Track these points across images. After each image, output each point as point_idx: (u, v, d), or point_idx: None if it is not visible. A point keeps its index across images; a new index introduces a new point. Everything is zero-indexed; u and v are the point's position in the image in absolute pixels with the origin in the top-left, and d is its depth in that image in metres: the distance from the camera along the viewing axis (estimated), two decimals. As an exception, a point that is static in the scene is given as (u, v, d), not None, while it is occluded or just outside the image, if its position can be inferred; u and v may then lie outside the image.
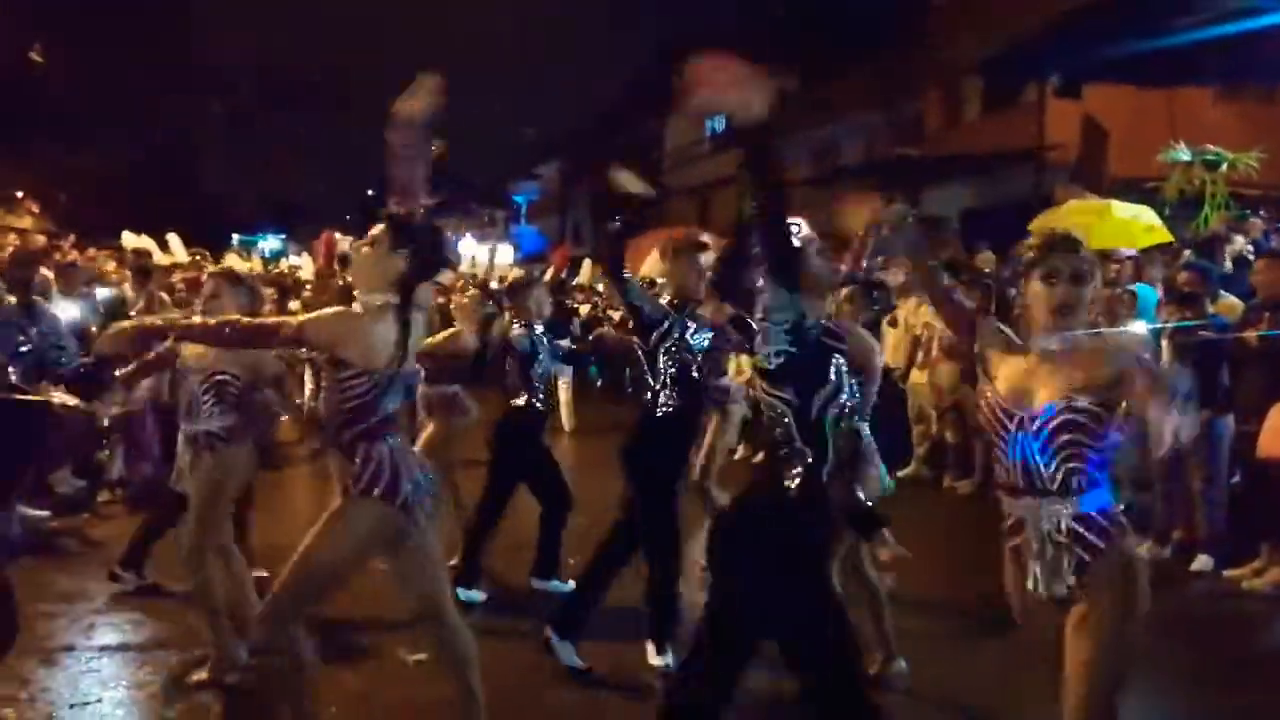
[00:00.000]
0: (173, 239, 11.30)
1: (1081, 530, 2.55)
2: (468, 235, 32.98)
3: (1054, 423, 2.56)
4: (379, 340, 3.20)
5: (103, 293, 9.45)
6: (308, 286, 11.89)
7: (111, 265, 11.94)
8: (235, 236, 31.00)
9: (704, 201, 29.86)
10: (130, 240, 11.66)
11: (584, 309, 14.30)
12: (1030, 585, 2.62)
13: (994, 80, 17.81)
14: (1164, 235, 9.45)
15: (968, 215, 17.30)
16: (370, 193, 53.34)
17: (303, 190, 42.91)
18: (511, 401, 5.75)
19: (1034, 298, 2.70)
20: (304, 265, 16.16)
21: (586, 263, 19.84)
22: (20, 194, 19.48)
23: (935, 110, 20.35)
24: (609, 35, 30.93)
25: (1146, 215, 9.54)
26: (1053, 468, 2.56)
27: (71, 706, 4.12)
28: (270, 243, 33.13)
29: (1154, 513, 6.50)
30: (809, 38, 24.42)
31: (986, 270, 10.21)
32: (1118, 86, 13.51)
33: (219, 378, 4.30)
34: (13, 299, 6.84)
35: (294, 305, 11.60)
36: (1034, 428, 2.58)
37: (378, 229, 3.33)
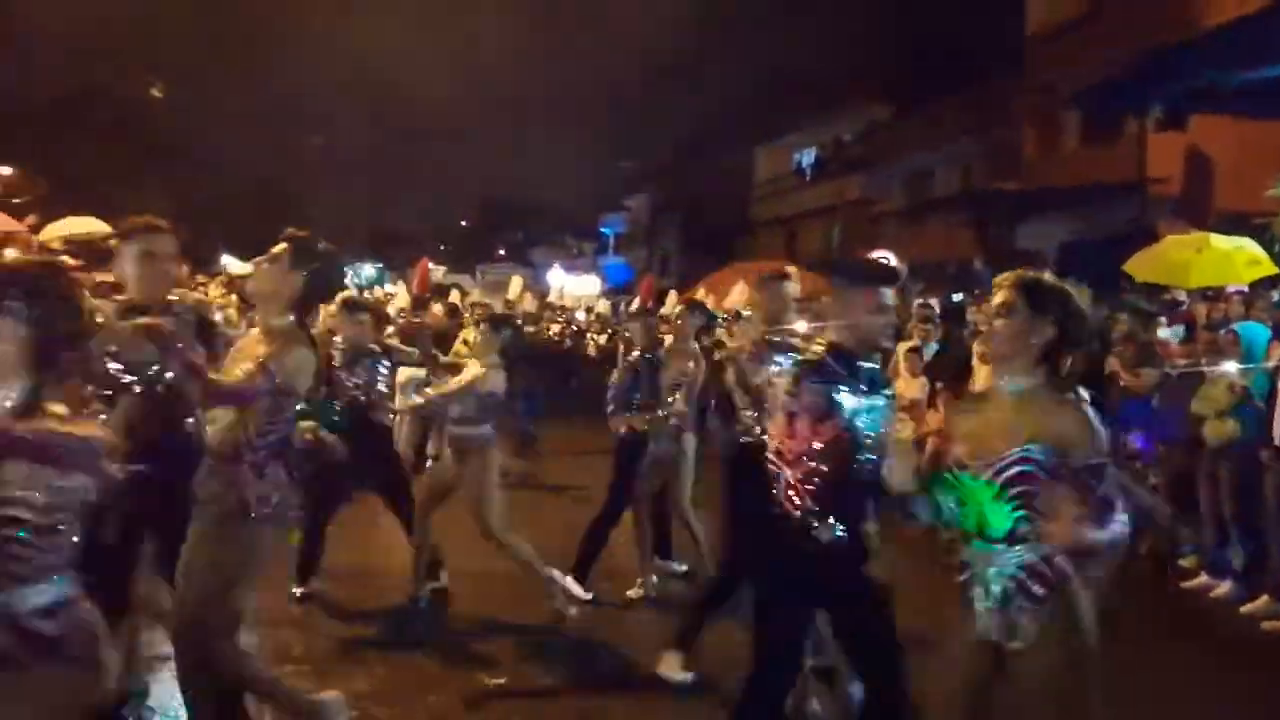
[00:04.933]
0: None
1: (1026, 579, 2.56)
2: (556, 266, 33.49)
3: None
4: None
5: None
6: (401, 313, 12.18)
7: (219, 291, 12.41)
8: (333, 264, 31.92)
9: (791, 233, 29.80)
10: (236, 267, 12.07)
11: (669, 339, 14.32)
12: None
13: (1093, 111, 17.37)
14: (1270, 268, 9.04)
15: (1065, 249, 16.86)
16: (464, 223, 54.51)
17: (399, 219, 44.22)
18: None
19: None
20: (398, 293, 16.61)
21: (672, 294, 19.94)
22: (136, 222, 20.55)
23: (1032, 141, 19.94)
24: (700, 68, 31.17)
25: (1249, 247, 9.15)
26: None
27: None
28: (365, 270, 34.10)
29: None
30: (904, 66, 24.24)
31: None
32: (1224, 118, 13.05)
33: None
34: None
35: (389, 331, 11.90)
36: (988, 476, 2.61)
37: (279, 248, 3.46)
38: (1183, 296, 9.59)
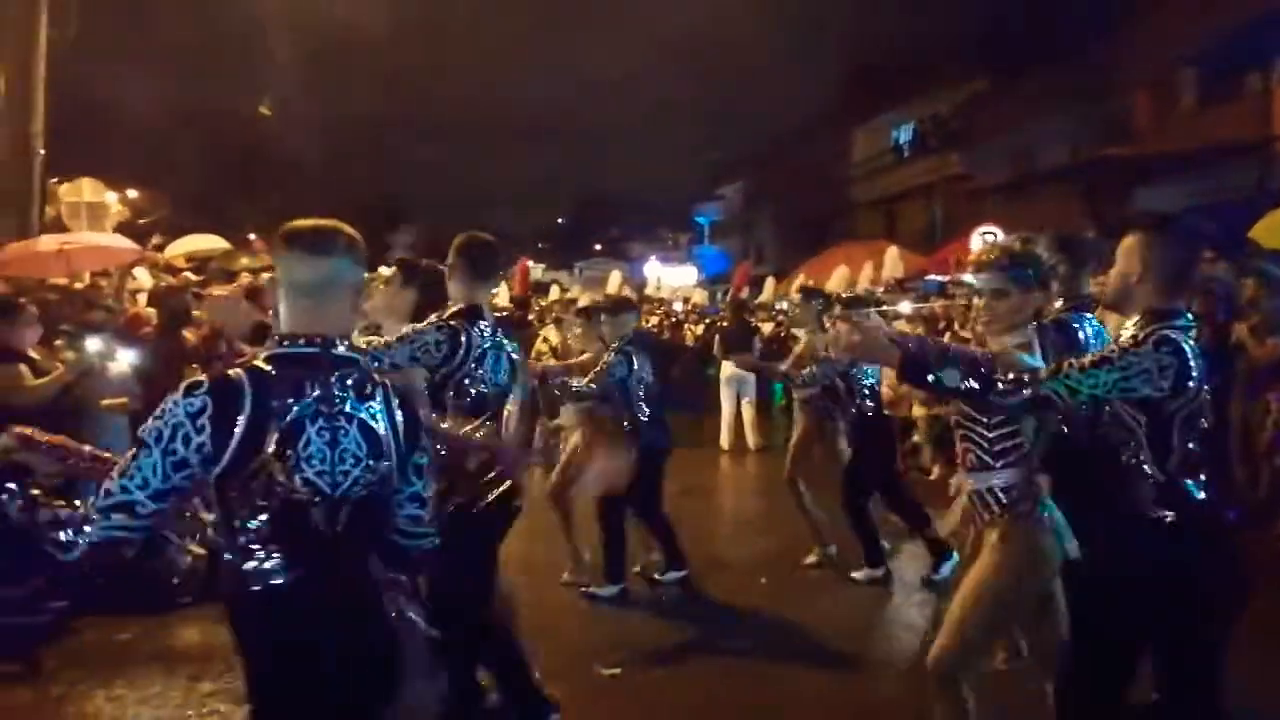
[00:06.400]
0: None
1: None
2: (653, 258, 33.54)
3: None
4: None
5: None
6: (501, 312, 12.42)
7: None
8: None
9: (890, 213, 29.16)
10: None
11: (766, 327, 14.21)
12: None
13: (1211, 71, 16.46)
14: None
15: (1186, 215, 16.06)
16: (560, 221, 55.09)
17: (497, 220, 45.08)
18: None
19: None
20: (499, 292, 16.92)
21: (769, 281, 19.74)
22: (251, 235, 21.40)
23: (1145, 106, 19.02)
24: (796, 50, 30.75)
25: None
26: None
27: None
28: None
29: None
30: (1004, 36, 23.42)
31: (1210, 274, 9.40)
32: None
33: None
34: None
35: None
36: None
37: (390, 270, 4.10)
38: (1316, 259, 9.02)
